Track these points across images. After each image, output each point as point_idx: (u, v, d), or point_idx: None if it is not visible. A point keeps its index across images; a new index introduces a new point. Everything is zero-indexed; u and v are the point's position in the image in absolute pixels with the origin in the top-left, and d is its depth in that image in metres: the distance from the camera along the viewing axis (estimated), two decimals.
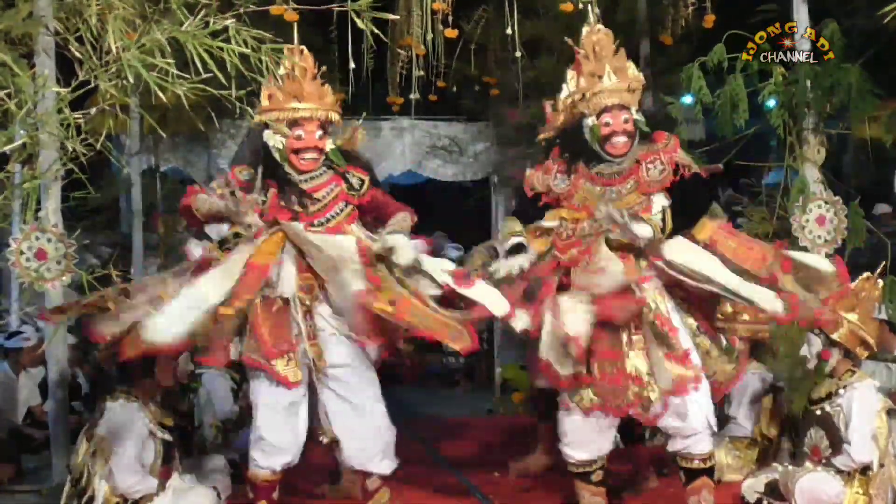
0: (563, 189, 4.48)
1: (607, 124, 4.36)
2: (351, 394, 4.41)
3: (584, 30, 4.56)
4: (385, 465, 4.51)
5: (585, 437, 4.43)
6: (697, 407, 4.31)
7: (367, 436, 4.44)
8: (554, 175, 4.52)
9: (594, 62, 4.41)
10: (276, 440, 4.38)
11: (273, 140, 4.38)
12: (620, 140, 4.37)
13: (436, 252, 4.56)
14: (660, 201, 4.41)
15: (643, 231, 4.25)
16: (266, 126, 4.36)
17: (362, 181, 4.53)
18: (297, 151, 4.37)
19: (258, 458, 4.43)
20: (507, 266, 4.36)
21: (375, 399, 4.49)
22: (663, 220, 4.37)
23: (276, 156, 4.38)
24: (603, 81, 4.36)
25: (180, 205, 4.43)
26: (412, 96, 7.59)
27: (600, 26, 4.53)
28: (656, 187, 4.40)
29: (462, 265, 4.49)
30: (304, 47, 4.44)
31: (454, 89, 8.57)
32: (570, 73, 4.60)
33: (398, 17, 6.75)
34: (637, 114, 4.43)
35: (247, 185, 4.38)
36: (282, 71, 4.29)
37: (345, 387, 4.40)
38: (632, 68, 4.46)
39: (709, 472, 4.46)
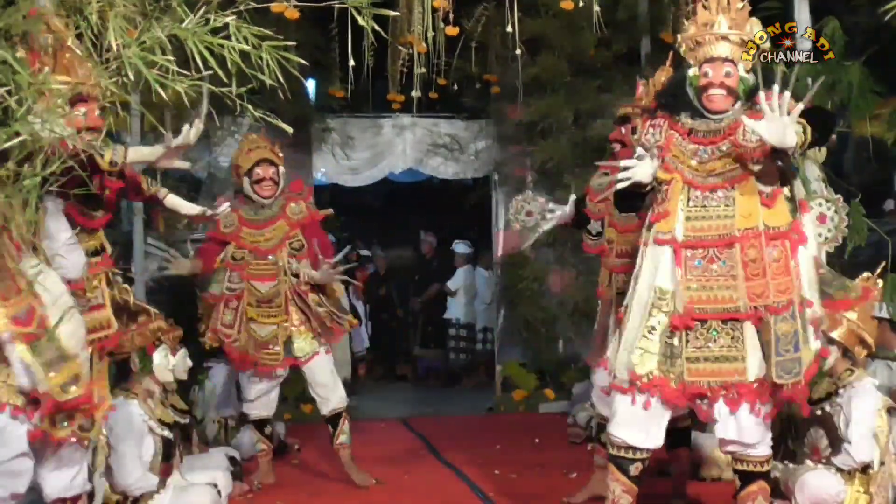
0: (655, 143, 4.07)
1: (706, 75, 3.99)
2: None
3: None
4: None
5: (637, 419, 4.02)
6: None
7: None
8: (647, 129, 4.13)
9: (710, 11, 4.05)
10: None
11: None
12: (717, 93, 3.98)
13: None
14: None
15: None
16: None
17: None
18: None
19: None
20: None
21: None
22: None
23: None
24: (713, 29, 4.01)
25: None
26: (413, 94, 7.57)
27: None
28: (753, 154, 3.91)
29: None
30: None
31: (455, 87, 8.56)
32: (686, 23, 4.21)
33: (399, 14, 6.73)
34: (745, 73, 4.07)
35: None
36: None
37: None
38: (754, 25, 4.13)
39: (765, 475, 4.11)
